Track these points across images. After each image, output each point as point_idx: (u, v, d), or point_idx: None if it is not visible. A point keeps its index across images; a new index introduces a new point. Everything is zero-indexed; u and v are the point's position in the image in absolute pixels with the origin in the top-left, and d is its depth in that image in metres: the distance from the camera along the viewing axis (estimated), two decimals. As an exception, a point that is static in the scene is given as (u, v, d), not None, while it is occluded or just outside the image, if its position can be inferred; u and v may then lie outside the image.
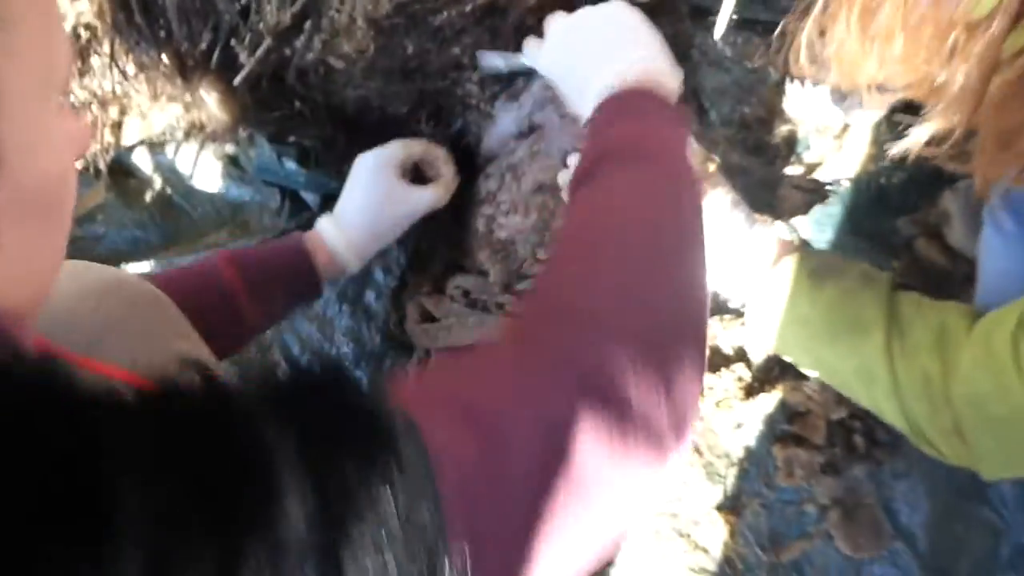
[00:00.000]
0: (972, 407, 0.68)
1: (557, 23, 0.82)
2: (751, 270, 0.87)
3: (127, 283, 0.65)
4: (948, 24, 0.42)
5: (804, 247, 0.86)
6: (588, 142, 0.68)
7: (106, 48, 0.93)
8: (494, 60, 0.96)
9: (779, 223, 1.08)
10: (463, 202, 1.08)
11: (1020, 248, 0.70)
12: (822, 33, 0.48)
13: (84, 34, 0.92)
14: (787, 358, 0.97)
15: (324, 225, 0.95)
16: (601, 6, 0.78)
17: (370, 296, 1.20)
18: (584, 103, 0.74)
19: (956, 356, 0.70)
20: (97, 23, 0.91)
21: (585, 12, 0.79)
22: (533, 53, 0.87)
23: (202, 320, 0.78)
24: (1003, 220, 0.71)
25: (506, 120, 1.05)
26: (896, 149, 0.52)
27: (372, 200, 0.96)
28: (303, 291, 0.94)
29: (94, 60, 0.95)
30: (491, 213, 1.01)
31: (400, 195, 0.96)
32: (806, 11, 0.48)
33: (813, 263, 0.83)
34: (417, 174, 1.04)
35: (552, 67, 0.82)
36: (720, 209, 0.86)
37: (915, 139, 0.49)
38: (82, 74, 0.95)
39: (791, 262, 0.84)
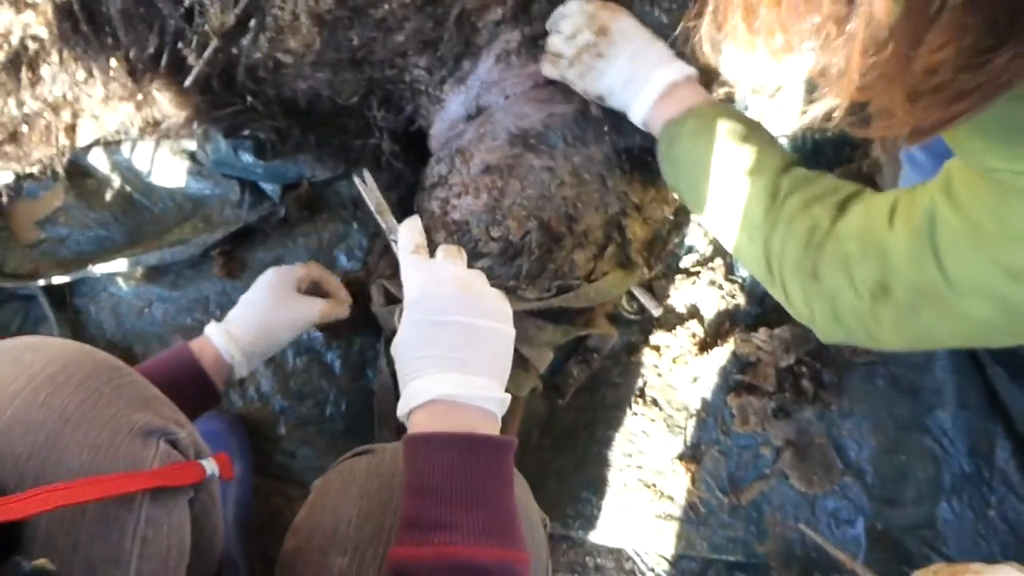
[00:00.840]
0: (837, 240, 0.74)
1: (417, 299, 0.82)
2: (670, 99, 0.91)
3: (79, 363, 0.63)
4: (821, 15, 0.45)
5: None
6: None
7: (55, 57, 0.95)
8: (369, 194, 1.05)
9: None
10: (419, 186, 1.11)
11: (932, 176, 0.74)
12: (719, 28, 0.51)
13: (32, 45, 0.93)
14: (675, 192, 1.04)
15: (212, 330, 0.98)
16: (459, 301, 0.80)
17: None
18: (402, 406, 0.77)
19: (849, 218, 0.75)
20: (44, 34, 0.92)
21: (441, 295, 0.80)
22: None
23: None
24: (916, 154, 0.77)
25: (455, 103, 1.08)
26: (799, 125, 0.57)
27: (264, 305, 1.01)
28: (199, 398, 0.94)
29: (44, 70, 0.96)
30: (444, 196, 1.04)
31: (290, 303, 1.02)
32: (701, 10, 0.52)
33: (725, 111, 0.88)
34: (317, 291, 1.10)
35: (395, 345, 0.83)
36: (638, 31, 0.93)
37: (812, 115, 0.54)
38: (33, 84, 0.96)
39: (706, 103, 0.89)
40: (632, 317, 1.22)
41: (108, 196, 1.24)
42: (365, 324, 1.19)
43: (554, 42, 0.96)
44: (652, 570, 1.19)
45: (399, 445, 0.78)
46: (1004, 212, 0.60)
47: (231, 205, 1.25)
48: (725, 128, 0.85)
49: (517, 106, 1.01)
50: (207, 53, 0.98)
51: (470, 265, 0.99)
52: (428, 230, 1.05)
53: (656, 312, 1.21)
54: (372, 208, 1.05)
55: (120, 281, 1.24)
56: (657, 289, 1.23)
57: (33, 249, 1.23)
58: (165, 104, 1.13)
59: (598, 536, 1.19)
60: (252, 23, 0.97)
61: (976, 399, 1.16)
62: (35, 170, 1.15)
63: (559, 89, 1.01)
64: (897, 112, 0.49)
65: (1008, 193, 0.60)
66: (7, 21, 0.90)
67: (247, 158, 1.19)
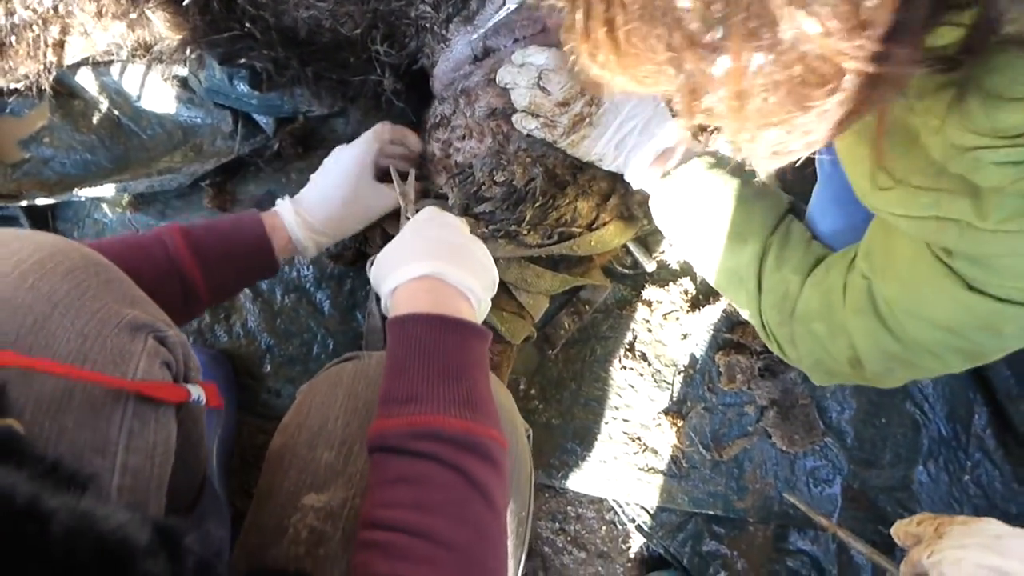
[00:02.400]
0: (801, 322, 0.84)
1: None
2: (663, 162, 0.94)
3: (66, 253, 0.62)
4: (654, 62, 0.49)
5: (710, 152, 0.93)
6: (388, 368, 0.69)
7: (48, -33, 0.90)
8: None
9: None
10: (419, 127, 1.09)
11: (829, 183, 0.86)
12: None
13: (25, -47, 0.88)
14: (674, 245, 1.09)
15: (285, 210, 0.95)
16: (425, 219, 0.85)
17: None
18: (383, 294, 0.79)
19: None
20: (37, -59, 0.88)
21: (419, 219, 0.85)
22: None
23: (152, 295, 0.78)
24: (824, 161, 0.84)
25: (461, 43, 1.05)
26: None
27: (343, 195, 0.97)
28: (258, 271, 0.93)
29: (35, -20, 0.91)
30: (446, 138, 1.03)
31: (369, 193, 0.99)
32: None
33: (714, 169, 0.91)
34: (385, 174, 1.06)
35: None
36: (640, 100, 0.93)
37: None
38: (24, -6, 0.92)
39: (695, 164, 0.91)
40: (625, 271, 1.22)
41: (95, 119, 1.20)
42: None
43: (542, 105, 0.92)
44: (632, 521, 1.20)
45: (382, 354, 0.79)
46: (913, 268, 0.68)
47: (223, 136, 1.21)
48: (715, 191, 0.90)
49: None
50: (208, -28, 0.94)
51: (472, 209, 0.98)
52: (429, 172, 1.04)
53: (650, 267, 1.21)
54: (400, 193, 1.02)
55: (105, 208, 1.20)
56: (651, 244, 1.22)
57: (15, 169, 1.19)
58: (159, 25, 1.09)
59: (581, 486, 1.20)
60: (256, -56, 0.94)
61: (958, 367, 1.18)
62: (20, 86, 1.11)
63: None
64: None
65: (899, 232, 0.68)
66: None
67: (242, 88, 1.15)
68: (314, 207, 0.96)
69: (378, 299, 1.16)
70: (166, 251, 0.82)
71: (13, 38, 0.98)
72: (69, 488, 0.43)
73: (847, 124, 0.49)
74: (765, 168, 0.56)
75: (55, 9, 1.01)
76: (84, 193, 1.15)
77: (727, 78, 0.47)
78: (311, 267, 1.21)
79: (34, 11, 0.97)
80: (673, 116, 0.61)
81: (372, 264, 0.83)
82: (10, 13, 0.95)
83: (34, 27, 1.02)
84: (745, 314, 0.93)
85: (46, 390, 0.56)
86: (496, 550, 0.60)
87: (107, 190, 1.15)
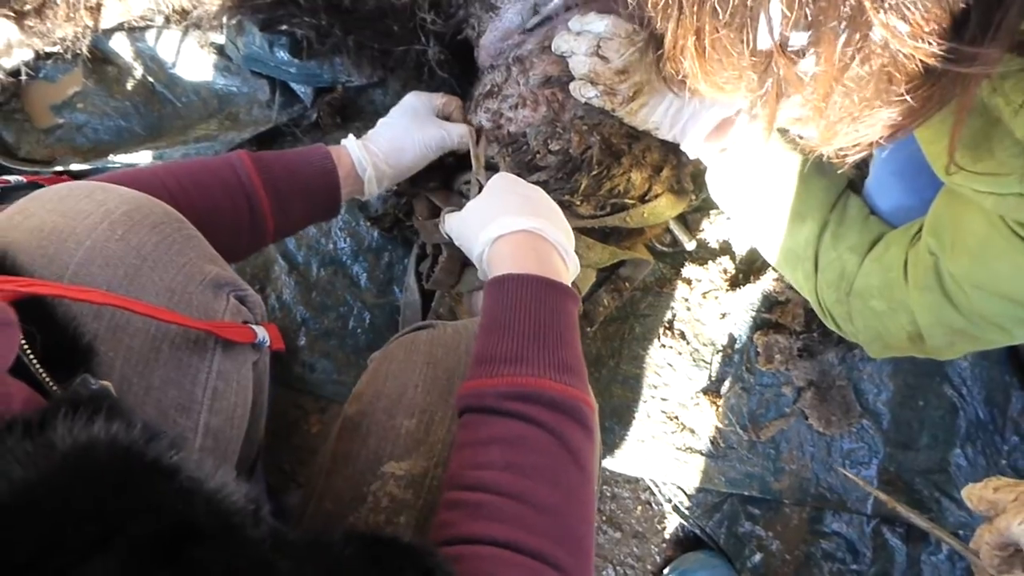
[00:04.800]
0: (860, 298, 0.84)
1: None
2: (721, 134, 0.93)
3: (150, 207, 0.62)
4: (738, 67, 0.51)
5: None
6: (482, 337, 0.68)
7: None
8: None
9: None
10: (468, 97, 1.08)
11: (888, 158, 0.86)
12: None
13: (73, -94, 0.86)
14: (730, 218, 1.09)
15: (350, 142, 0.93)
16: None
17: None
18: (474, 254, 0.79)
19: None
20: None
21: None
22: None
23: (222, 220, 0.77)
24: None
25: (511, 12, 1.04)
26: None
27: (401, 125, 0.97)
28: (322, 205, 0.92)
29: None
30: (496, 107, 1.01)
31: (426, 124, 0.98)
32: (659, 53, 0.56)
33: (777, 143, 0.91)
34: None
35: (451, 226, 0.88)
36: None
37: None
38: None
39: (757, 139, 0.91)
40: (665, 249, 1.21)
41: (129, 85, 1.18)
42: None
43: (602, 73, 0.91)
44: (669, 501, 1.20)
45: (457, 323, 0.79)
46: (985, 243, 0.69)
47: (260, 104, 1.19)
48: (774, 167, 0.90)
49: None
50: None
51: (525, 179, 0.97)
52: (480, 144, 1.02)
53: (690, 246, 1.20)
54: (473, 155, 1.00)
55: (138, 176, 1.18)
56: (692, 223, 1.22)
57: (48, 134, 1.16)
58: (200, -12, 1.07)
59: (617, 465, 1.19)
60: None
61: (995, 350, 1.18)
62: (56, 49, 1.09)
63: (625, 1, 0.98)
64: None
65: (970, 208, 0.70)
66: None
67: (282, 55, 1.13)
68: (378, 136, 0.96)
69: (418, 274, 1.15)
70: (236, 174, 0.80)
71: (54, -3, 0.95)
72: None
73: (929, 115, 0.50)
74: (837, 158, 0.57)
75: (97, -32, 0.99)
76: (119, 159, 1.12)
77: (815, 80, 0.48)
78: (348, 239, 1.19)
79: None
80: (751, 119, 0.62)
81: (447, 215, 0.81)
82: (54, -30, 0.92)
83: (74, -13, 1.00)
84: (802, 292, 0.92)
85: (135, 346, 0.54)
86: (586, 515, 0.59)
87: (142, 157, 1.12)
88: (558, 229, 0.75)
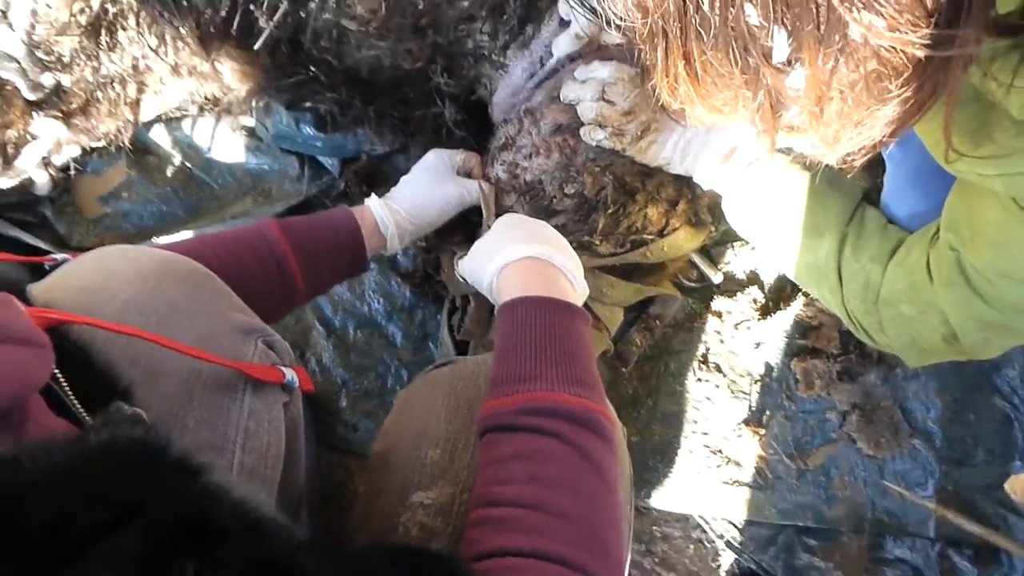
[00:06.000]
0: (888, 305, 0.83)
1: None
2: (731, 162, 0.95)
3: (178, 263, 0.66)
4: (731, 87, 0.52)
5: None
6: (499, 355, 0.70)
7: (132, 22, 0.96)
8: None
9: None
10: (485, 153, 1.12)
11: (901, 167, 0.86)
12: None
13: (112, 9, 0.94)
14: (752, 245, 1.10)
15: (372, 201, 0.98)
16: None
17: (396, 254, 1.24)
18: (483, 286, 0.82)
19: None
20: (124, -2, 0.94)
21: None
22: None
23: (254, 284, 0.80)
24: (893, 150, 0.86)
25: (518, 69, 1.09)
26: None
27: (422, 182, 1.01)
28: (349, 262, 0.95)
29: (120, 35, 0.97)
30: (512, 159, 1.05)
31: (446, 182, 1.02)
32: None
33: (788, 164, 0.93)
34: None
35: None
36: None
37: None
38: (110, 48, 0.97)
39: (767, 161, 0.92)
40: (692, 285, 1.22)
41: (169, 172, 1.25)
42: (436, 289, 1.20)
43: (609, 116, 0.94)
44: (721, 537, 1.18)
45: (478, 356, 0.81)
46: (1004, 229, 0.69)
47: (290, 179, 1.25)
48: (788, 185, 0.91)
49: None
50: (278, 16, 0.99)
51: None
52: (498, 194, 1.06)
53: (716, 279, 1.21)
54: (483, 202, 1.04)
55: (181, 256, 1.24)
56: (716, 256, 1.23)
57: (97, 224, 1.24)
58: (228, 76, 1.14)
59: (665, 503, 1.18)
60: (322, -14, 0.99)
61: (1043, 356, 1.15)
62: (101, 144, 1.17)
63: (624, 49, 1.02)
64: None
65: (983, 198, 0.70)
66: (88, -14, 0.92)
67: (308, 130, 1.20)
68: (400, 195, 1.00)
69: (450, 328, 1.18)
70: (265, 240, 0.85)
71: (99, 94, 1.03)
72: None
73: (928, 106, 0.51)
74: (845, 164, 0.58)
75: (134, 67, 1.07)
76: (161, 242, 1.19)
77: (806, 87, 0.49)
78: (381, 300, 1.23)
79: (117, 67, 1.02)
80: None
81: (460, 260, 0.84)
82: (96, 70, 1.00)
83: (115, 85, 1.08)
84: (831, 307, 0.92)
85: (169, 390, 0.58)
86: (611, 521, 0.60)
87: (183, 236, 1.19)
88: (564, 255, 0.77)
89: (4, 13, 0.89)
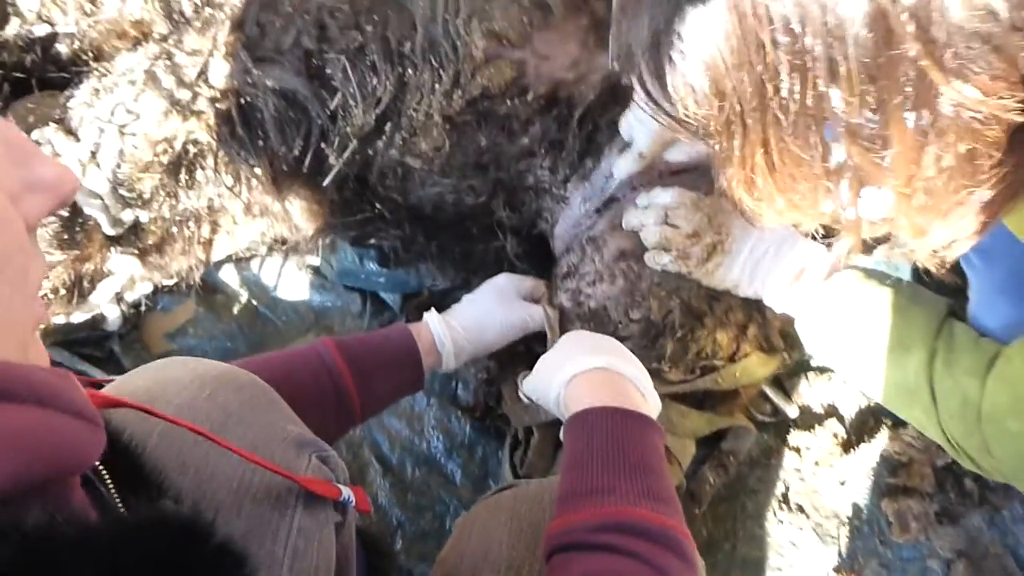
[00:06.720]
0: (992, 422, 0.75)
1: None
2: (802, 281, 0.91)
3: (235, 373, 0.66)
4: (811, 177, 0.51)
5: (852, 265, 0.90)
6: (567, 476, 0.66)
7: (210, 161, 1.01)
8: None
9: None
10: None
11: (986, 277, 0.80)
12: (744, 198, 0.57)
13: (192, 149, 0.99)
14: (831, 368, 1.04)
15: (431, 316, 0.97)
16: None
17: (457, 387, 1.22)
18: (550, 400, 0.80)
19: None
20: (203, 138, 0.99)
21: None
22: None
23: (309, 402, 0.79)
24: (971, 257, 0.80)
25: (578, 199, 1.10)
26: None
27: (485, 302, 1.01)
28: (406, 380, 0.94)
29: (199, 174, 1.02)
30: (575, 287, 1.04)
31: (510, 305, 1.02)
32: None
33: (865, 280, 0.88)
34: None
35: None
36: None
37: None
38: (188, 187, 1.02)
39: (843, 276, 0.88)
40: (767, 419, 1.16)
41: (235, 310, 1.28)
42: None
43: (674, 239, 0.93)
44: None
45: (542, 479, 0.78)
46: None
47: (352, 315, 1.26)
48: (867, 302, 0.86)
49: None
50: (347, 153, 1.03)
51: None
52: (563, 322, 1.04)
53: (792, 412, 1.14)
54: (548, 325, 1.03)
55: (242, 392, 1.24)
56: (790, 388, 1.17)
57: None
58: (297, 215, 1.18)
59: (751, 664, 1.06)
60: (388, 126, 1.03)
61: None
62: (172, 281, 1.20)
63: (687, 177, 1.02)
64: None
65: None
66: (174, 127, 0.98)
67: (371, 266, 1.22)
68: (461, 312, 0.99)
69: (512, 463, 1.13)
70: (322, 360, 0.84)
71: (175, 230, 1.07)
72: None
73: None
74: (933, 264, 0.55)
75: (210, 207, 1.11)
76: (224, 376, 1.19)
77: (894, 165, 0.47)
78: (441, 436, 1.19)
79: (193, 205, 1.07)
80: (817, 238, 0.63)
81: (524, 379, 0.82)
82: (173, 208, 1.04)
83: (190, 224, 1.12)
84: (927, 431, 0.85)
85: (219, 499, 0.55)
86: None
87: (245, 372, 1.19)
88: (633, 366, 0.75)
89: (93, 154, 0.94)
